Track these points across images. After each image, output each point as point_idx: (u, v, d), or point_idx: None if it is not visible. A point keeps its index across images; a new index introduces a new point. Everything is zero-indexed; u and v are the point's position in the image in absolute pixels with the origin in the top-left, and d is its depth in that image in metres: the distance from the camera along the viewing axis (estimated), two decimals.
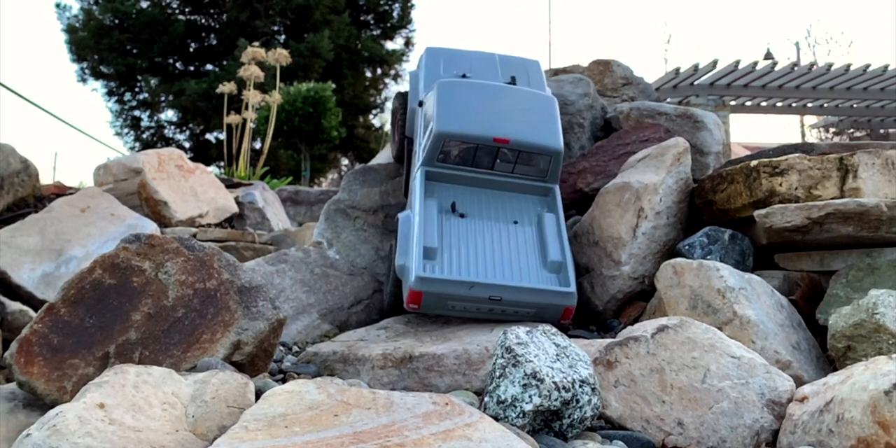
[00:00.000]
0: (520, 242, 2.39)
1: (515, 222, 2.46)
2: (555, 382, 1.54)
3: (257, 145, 10.28)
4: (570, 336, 2.41)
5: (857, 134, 15.19)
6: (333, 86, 10.11)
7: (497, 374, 1.60)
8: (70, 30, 15.00)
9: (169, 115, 15.93)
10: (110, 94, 15.89)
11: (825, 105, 12.44)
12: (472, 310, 2.27)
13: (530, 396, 1.52)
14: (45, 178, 4.53)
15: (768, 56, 17.27)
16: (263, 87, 7.51)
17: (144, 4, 15.07)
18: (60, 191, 4.28)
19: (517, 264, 2.32)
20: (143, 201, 4.27)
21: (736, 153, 6.64)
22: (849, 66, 10.60)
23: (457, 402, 1.46)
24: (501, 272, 2.28)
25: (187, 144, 15.90)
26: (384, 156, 4.43)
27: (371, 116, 16.90)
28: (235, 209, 4.97)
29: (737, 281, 2.15)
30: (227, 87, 7.13)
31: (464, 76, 2.89)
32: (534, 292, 2.24)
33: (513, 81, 2.88)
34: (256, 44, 8.22)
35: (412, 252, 2.27)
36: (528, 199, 2.56)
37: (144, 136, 15.96)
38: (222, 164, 9.27)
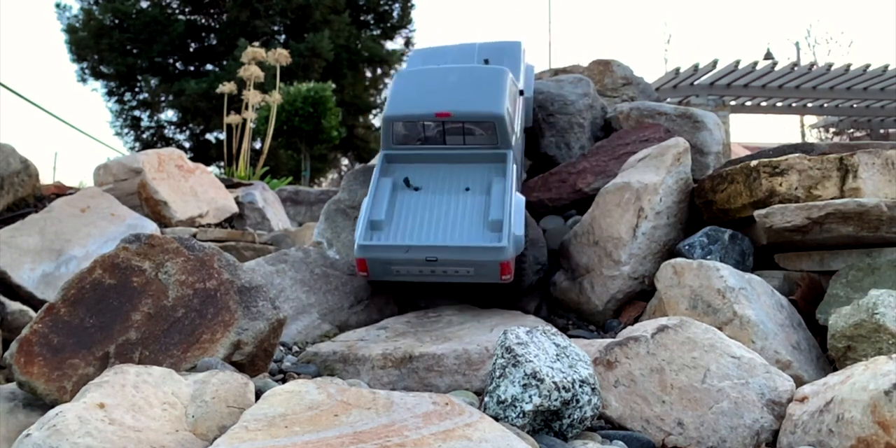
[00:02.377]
0: (468, 207, 2.52)
1: (467, 189, 2.59)
2: (555, 382, 1.54)
3: (257, 145, 10.28)
4: (570, 336, 2.41)
5: (857, 134, 15.19)
6: (333, 86, 10.11)
7: (497, 374, 1.60)
8: (70, 30, 14.99)
9: (169, 115, 15.93)
10: (110, 94, 15.89)
11: (825, 105, 12.44)
12: (414, 272, 2.43)
13: (530, 396, 1.52)
14: (45, 178, 4.54)
15: (768, 56, 17.27)
16: (263, 87, 7.51)
17: (144, 4, 15.06)
18: (60, 191, 4.28)
19: (458, 227, 2.45)
20: (143, 201, 4.27)
21: (736, 153, 6.64)
22: (849, 66, 10.60)
23: (457, 402, 1.46)
24: (439, 235, 2.43)
25: (187, 144, 15.89)
26: None
27: (371, 116, 16.90)
28: (235, 209, 4.97)
29: (737, 281, 2.15)
30: (227, 87, 7.12)
31: None
32: (466, 250, 2.35)
33: (486, 63, 3.05)
34: (256, 44, 8.22)
35: (360, 224, 2.46)
36: (482, 168, 2.67)
37: (144, 136, 15.95)
38: (222, 164, 9.27)
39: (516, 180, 2.67)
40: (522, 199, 2.62)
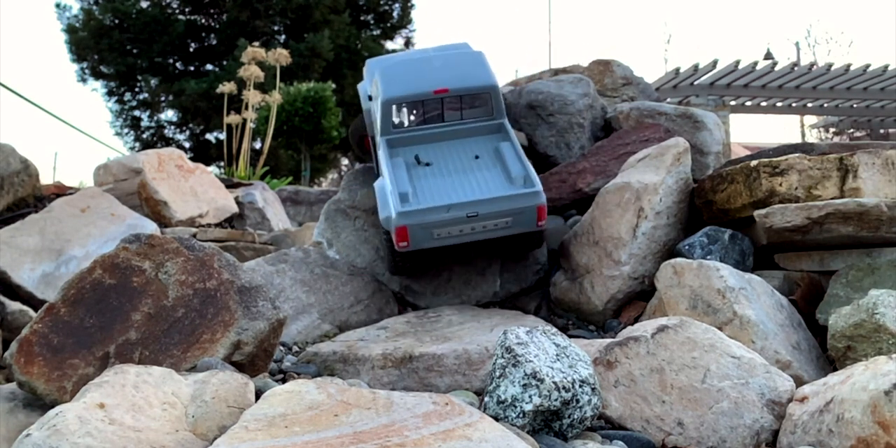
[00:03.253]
0: (483, 170, 2.62)
1: (477, 157, 2.68)
2: (555, 382, 1.54)
3: (257, 145, 10.28)
4: (570, 336, 2.41)
5: (857, 134, 15.20)
6: (333, 86, 10.10)
7: (497, 374, 1.60)
8: (70, 30, 14.98)
9: (169, 115, 15.92)
10: (110, 94, 15.88)
11: (825, 105, 12.44)
12: (455, 233, 2.47)
13: (530, 396, 1.52)
14: (45, 178, 4.53)
15: (768, 56, 17.26)
16: (263, 87, 7.50)
17: (144, 4, 15.05)
18: (60, 191, 4.28)
19: (485, 184, 2.53)
20: (143, 201, 4.27)
21: (736, 153, 6.65)
22: (849, 66, 10.60)
23: (457, 402, 1.46)
24: (472, 191, 2.49)
25: (187, 144, 15.88)
26: None
27: None
28: (235, 209, 4.97)
29: (737, 281, 2.15)
30: (227, 87, 7.12)
31: None
32: (506, 199, 2.43)
33: None
34: (256, 44, 8.22)
35: (390, 201, 2.48)
36: (484, 138, 2.79)
37: (144, 136, 15.94)
38: (222, 164, 9.26)
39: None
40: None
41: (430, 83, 2.76)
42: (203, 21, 15.66)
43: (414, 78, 2.80)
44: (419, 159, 2.67)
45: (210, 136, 15.67)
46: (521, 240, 2.76)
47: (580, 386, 1.58)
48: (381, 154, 2.72)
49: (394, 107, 2.75)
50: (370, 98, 3.05)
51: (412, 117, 2.79)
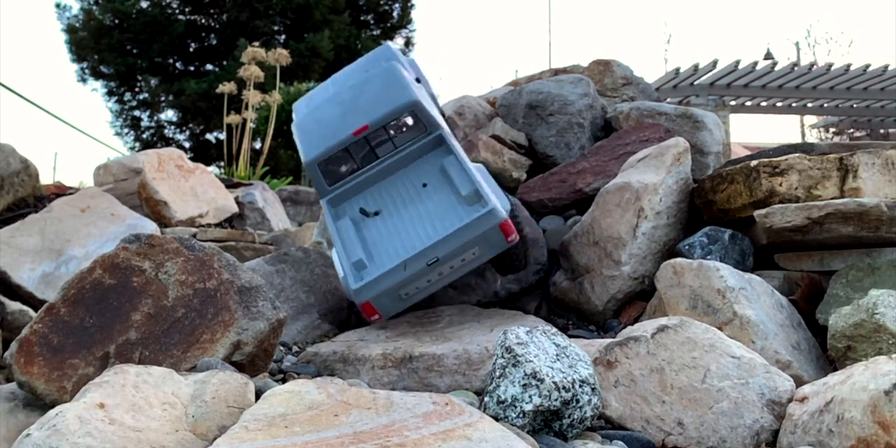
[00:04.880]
0: (436, 199, 2.38)
1: (425, 185, 2.45)
2: (555, 382, 1.54)
3: (257, 145, 10.28)
4: (570, 336, 2.41)
5: (857, 134, 15.19)
6: None
7: (497, 374, 1.60)
8: (70, 30, 14.99)
9: (169, 115, 15.93)
10: (110, 94, 15.89)
11: (825, 105, 12.44)
12: (424, 285, 2.27)
13: (530, 396, 1.52)
14: (45, 178, 4.54)
15: (768, 56, 17.24)
16: (263, 87, 7.50)
17: (144, 4, 15.05)
18: (60, 191, 4.28)
19: (437, 220, 2.30)
20: (143, 201, 4.27)
21: (736, 153, 6.64)
22: (849, 66, 10.60)
23: (457, 402, 1.46)
24: (423, 236, 2.26)
25: (187, 144, 15.89)
26: None
27: None
28: (235, 209, 4.97)
29: (737, 281, 2.15)
30: (227, 87, 7.12)
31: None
32: (461, 231, 2.20)
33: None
34: (256, 44, 8.21)
35: (346, 273, 2.30)
36: (427, 158, 2.54)
37: (144, 136, 15.95)
38: (222, 164, 9.26)
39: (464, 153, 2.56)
40: (481, 165, 2.52)
41: (345, 125, 2.52)
42: (203, 21, 15.66)
43: (327, 126, 2.56)
44: (366, 212, 2.44)
45: (210, 136, 15.67)
46: (500, 260, 2.55)
47: (580, 386, 1.58)
48: (327, 218, 2.51)
49: (318, 166, 2.52)
50: None
51: (345, 167, 2.55)
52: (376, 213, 2.43)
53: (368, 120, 2.49)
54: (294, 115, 3.01)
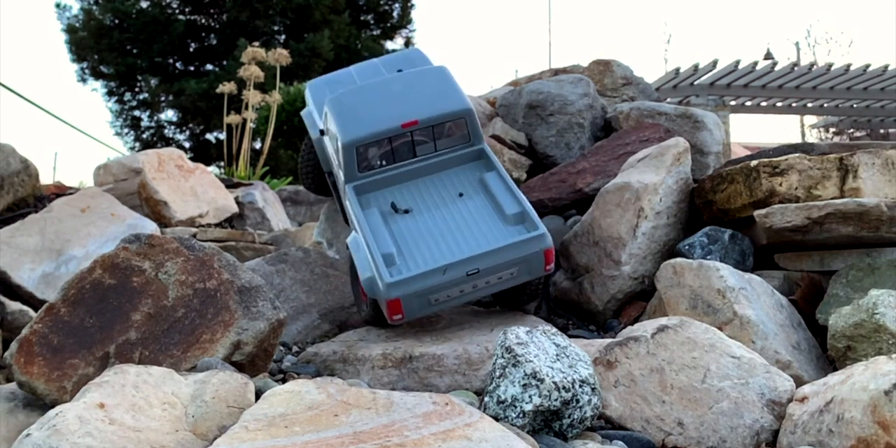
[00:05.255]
0: (473, 211, 2.30)
1: (461, 195, 2.37)
2: (555, 382, 1.54)
3: (257, 145, 10.28)
4: (570, 336, 2.41)
5: (857, 134, 15.20)
6: None
7: (497, 374, 1.60)
8: (70, 30, 14.99)
9: (169, 115, 15.94)
10: (110, 94, 15.89)
11: (825, 105, 12.45)
12: (454, 295, 2.18)
13: (530, 396, 1.52)
14: (45, 178, 4.54)
15: (768, 56, 17.26)
16: (263, 87, 7.50)
17: (144, 4, 15.06)
18: (60, 191, 4.28)
19: (479, 232, 2.23)
20: (143, 201, 4.27)
21: (736, 153, 6.64)
22: (849, 66, 10.61)
23: (457, 402, 1.46)
24: (468, 245, 2.19)
25: (187, 144, 15.89)
26: None
27: None
28: (235, 209, 4.98)
29: (737, 281, 2.15)
30: (227, 87, 7.12)
31: None
32: (509, 249, 2.14)
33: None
34: (256, 44, 8.21)
35: (373, 265, 2.18)
36: (464, 169, 2.47)
37: (144, 136, 15.96)
38: (222, 164, 9.26)
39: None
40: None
41: (394, 115, 2.40)
42: (203, 21, 15.67)
43: (373, 110, 2.43)
44: (396, 207, 2.35)
45: (210, 136, 15.68)
46: (522, 288, 2.45)
47: (580, 386, 1.58)
48: (351, 204, 2.40)
49: (356, 149, 2.39)
50: (322, 132, 2.72)
51: (379, 157, 2.46)
52: (407, 211, 2.35)
53: (420, 116, 2.39)
54: (309, 93, 2.91)
